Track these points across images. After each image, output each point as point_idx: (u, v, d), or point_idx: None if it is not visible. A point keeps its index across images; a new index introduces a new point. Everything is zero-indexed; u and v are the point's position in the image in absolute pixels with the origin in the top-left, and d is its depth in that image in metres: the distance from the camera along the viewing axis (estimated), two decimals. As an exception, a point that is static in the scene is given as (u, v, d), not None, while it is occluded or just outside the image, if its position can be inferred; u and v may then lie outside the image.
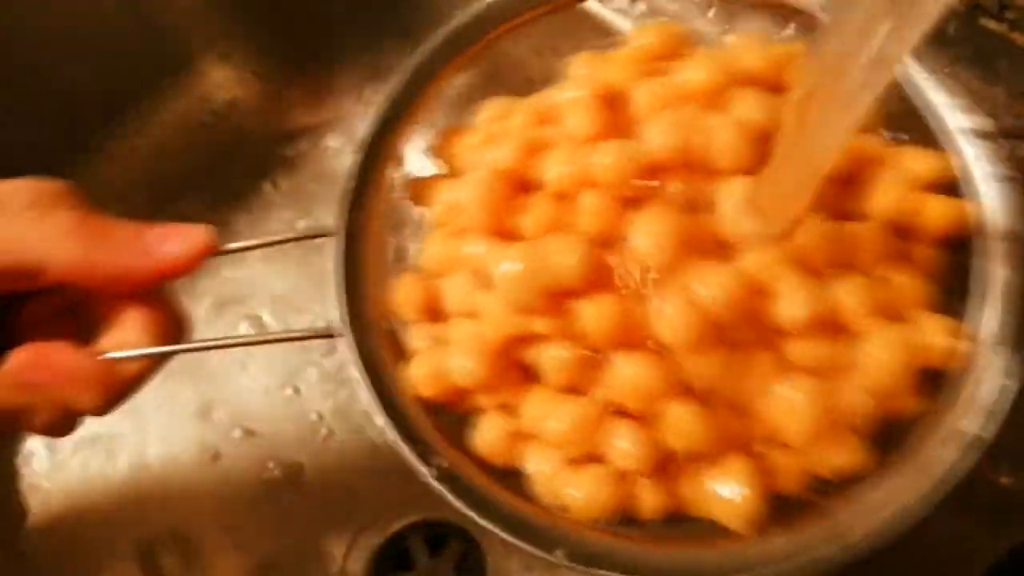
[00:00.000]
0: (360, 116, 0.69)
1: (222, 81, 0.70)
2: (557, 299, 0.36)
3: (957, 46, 0.49)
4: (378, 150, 0.40)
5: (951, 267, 0.38)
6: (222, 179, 0.69)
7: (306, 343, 0.39)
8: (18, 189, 0.37)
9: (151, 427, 0.60)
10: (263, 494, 0.58)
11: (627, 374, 0.34)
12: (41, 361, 0.35)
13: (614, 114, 0.39)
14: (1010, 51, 0.51)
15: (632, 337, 0.34)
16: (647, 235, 0.34)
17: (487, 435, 0.37)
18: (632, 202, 0.36)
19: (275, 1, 0.69)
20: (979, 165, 0.37)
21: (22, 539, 0.58)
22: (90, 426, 0.38)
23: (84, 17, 0.65)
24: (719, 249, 0.36)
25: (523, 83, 0.45)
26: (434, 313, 0.40)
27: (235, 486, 0.59)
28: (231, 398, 0.61)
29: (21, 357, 0.35)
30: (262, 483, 0.58)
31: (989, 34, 0.50)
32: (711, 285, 0.34)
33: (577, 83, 0.40)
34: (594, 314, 0.34)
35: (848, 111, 0.31)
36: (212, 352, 0.47)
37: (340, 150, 0.70)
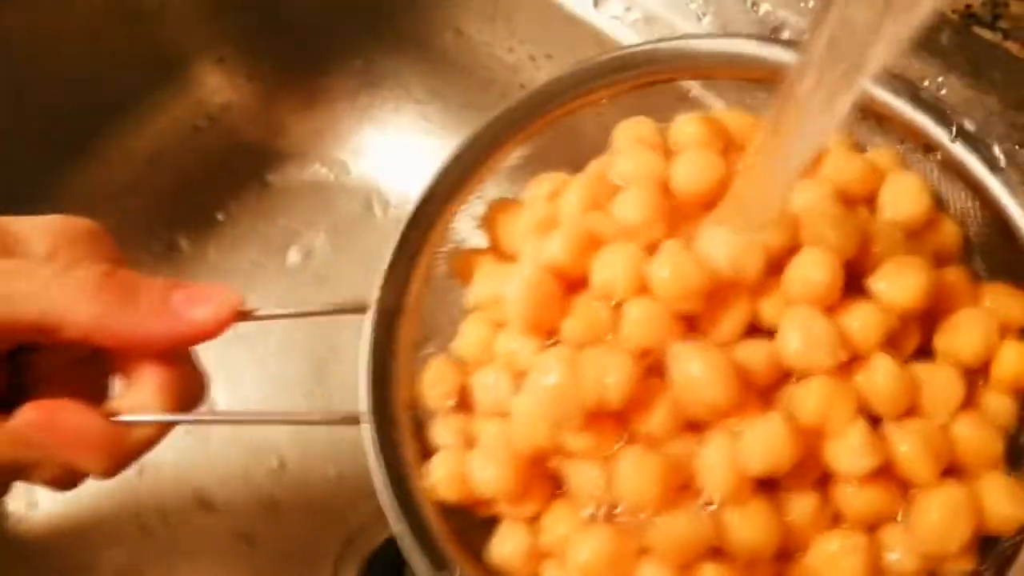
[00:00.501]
0: (353, 121, 0.67)
1: (216, 86, 0.68)
2: (596, 417, 0.33)
3: (950, 56, 0.47)
4: (426, 224, 0.37)
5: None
6: (217, 183, 0.67)
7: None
8: (40, 228, 0.35)
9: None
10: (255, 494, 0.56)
11: (668, 530, 0.31)
12: (49, 422, 0.33)
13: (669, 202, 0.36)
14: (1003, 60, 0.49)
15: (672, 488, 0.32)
16: (701, 370, 0.32)
17: (506, 547, 0.35)
18: (684, 317, 0.33)
19: (269, 5, 0.67)
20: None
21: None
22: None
23: (77, 21, 0.63)
24: (775, 387, 0.33)
25: (583, 151, 0.42)
26: (464, 405, 0.37)
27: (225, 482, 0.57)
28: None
29: (29, 416, 0.33)
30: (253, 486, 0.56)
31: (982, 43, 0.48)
32: (762, 438, 0.31)
33: (630, 163, 0.37)
34: (634, 464, 0.32)
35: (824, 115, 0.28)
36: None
37: (333, 156, 0.68)
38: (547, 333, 0.36)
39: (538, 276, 0.35)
